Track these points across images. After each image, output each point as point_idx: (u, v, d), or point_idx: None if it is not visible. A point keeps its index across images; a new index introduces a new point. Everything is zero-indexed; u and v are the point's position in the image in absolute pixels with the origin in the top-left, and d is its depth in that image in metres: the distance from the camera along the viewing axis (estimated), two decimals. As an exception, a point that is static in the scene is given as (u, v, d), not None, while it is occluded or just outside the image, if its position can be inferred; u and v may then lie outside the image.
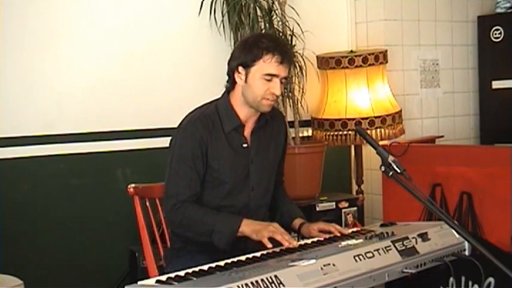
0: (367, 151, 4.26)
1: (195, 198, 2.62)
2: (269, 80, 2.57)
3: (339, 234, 2.57)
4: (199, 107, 2.71)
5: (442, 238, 2.47)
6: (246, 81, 2.60)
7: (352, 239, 2.43)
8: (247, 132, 2.70)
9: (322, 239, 2.54)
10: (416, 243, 2.38)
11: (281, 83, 2.60)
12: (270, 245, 2.38)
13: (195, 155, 2.59)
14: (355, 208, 3.94)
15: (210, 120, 2.63)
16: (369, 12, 4.50)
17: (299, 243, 2.46)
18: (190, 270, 2.09)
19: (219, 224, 2.54)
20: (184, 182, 2.60)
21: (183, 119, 2.68)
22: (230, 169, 2.64)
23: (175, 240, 2.74)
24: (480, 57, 4.92)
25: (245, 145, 2.68)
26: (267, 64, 2.56)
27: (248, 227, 2.51)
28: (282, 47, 2.63)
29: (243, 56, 2.59)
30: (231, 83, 2.67)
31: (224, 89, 2.71)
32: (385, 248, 2.27)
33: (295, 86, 3.97)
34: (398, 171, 2.29)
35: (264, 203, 2.77)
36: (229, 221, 2.55)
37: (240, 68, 2.60)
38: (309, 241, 2.49)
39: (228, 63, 2.67)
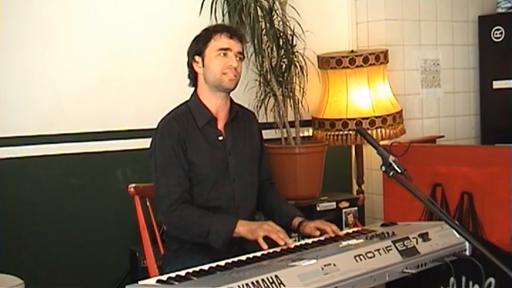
0: (368, 151, 4.26)
1: (188, 195, 2.66)
2: (224, 55, 2.69)
3: (333, 235, 2.57)
4: (171, 110, 2.79)
5: (442, 238, 2.47)
6: (203, 65, 2.72)
7: (353, 239, 2.42)
8: (220, 125, 2.77)
9: (322, 238, 2.54)
10: (417, 243, 2.38)
11: (239, 59, 2.72)
12: (265, 246, 2.40)
13: (177, 152, 2.65)
14: (356, 208, 3.93)
15: (184, 118, 2.72)
16: (370, 12, 4.50)
17: (300, 243, 2.46)
18: (190, 270, 2.09)
19: (215, 225, 2.56)
20: (173, 180, 2.64)
21: (158, 123, 2.76)
22: (210, 163, 2.69)
23: (171, 242, 2.76)
24: (481, 57, 4.92)
25: (220, 138, 2.75)
26: (218, 41, 2.71)
27: (243, 227, 2.53)
28: (229, 26, 2.86)
29: (195, 46, 2.76)
30: (193, 78, 2.79)
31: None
32: (386, 248, 2.27)
33: (295, 85, 3.97)
34: (399, 171, 2.29)
35: (250, 195, 2.81)
36: (224, 222, 2.58)
37: (196, 57, 2.74)
38: (309, 241, 2.49)
39: (187, 65, 2.80)
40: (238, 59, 2.72)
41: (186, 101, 2.81)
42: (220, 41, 2.70)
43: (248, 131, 2.86)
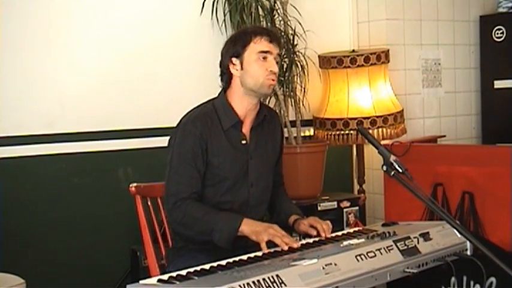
0: (369, 150, 4.26)
1: (196, 196, 2.63)
2: (264, 58, 2.62)
3: (322, 235, 2.54)
4: (196, 107, 2.73)
5: (443, 238, 2.47)
6: (242, 68, 2.64)
7: (354, 238, 2.42)
8: (245, 129, 2.71)
9: (323, 238, 2.53)
10: (418, 243, 2.38)
11: (277, 62, 2.65)
12: (267, 250, 2.38)
13: (196, 153, 2.60)
14: (357, 208, 3.94)
15: (209, 118, 2.65)
16: (371, 12, 4.50)
17: (301, 242, 2.45)
18: (192, 270, 2.09)
19: (220, 223, 2.54)
20: (185, 180, 2.60)
21: (182, 118, 2.69)
22: (230, 165, 2.65)
23: (177, 239, 2.74)
24: (482, 57, 4.92)
25: (244, 142, 2.69)
26: (258, 44, 2.62)
27: (248, 227, 2.50)
28: (267, 29, 2.75)
29: (233, 47, 2.66)
30: (227, 80, 2.70)
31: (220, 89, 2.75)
32: (387, 247, 2.26)
33: (297, 85, 3.97)
34: (400, 170, 2.29)
35: (264, 200, 2.78)
36: (229, 220, 2.55)
37: (234, 59, 2.65)
38: (310, 240, 2.49)
39: (220, 65, 2.72)
40: (276, 62, 2.66)
41: (213, 99, 2.74)
42: (261, 44, 2.61)
43: (271, 134, 2.81)
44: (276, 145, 2.83)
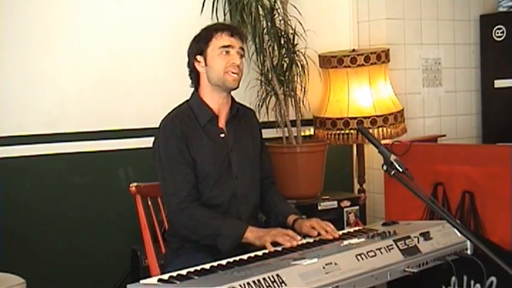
0: (369, 150, 4.26)
1: (195, 191, 2.66)
2: (227, 53, 2.70)
3: (330, 237, 2.53)
4: (172, 109, 2.80)
5: (444, 237, 2.47)
6: (206, 64, 2.72)
7: (354, 238, 2.42)
8: (221, 123, 2.78)
9: (323, 237, 2.53)
10: (419, 242, 2.38)
11: (240, 56, 2.73)
12: (272, 249, 2.39)
13: (181, 150, 2.65)
14: (357, 207, 3.93)
15: (186, 116, 2.73)
16: (371, 11, 4.50)
17: (301, 242, 2.45)
18: (192, 269, 2.09)
19: (224, 229, 2.57)
20: (179, 177, 2.64)
21: (161, 122, 2.76)
22: (212, 160, 2.70)
23: (173, 241, 2.76)
24: (482, 56, 4.92)
25: (222, 135, 2.75)
26: (219, 40, 2.72)
27: (252, 234, 2.54)
28: (229, 24, 2.89)
29: (195, 45, 2.76)
30: (196, 79, 2.78)
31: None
32: (387, 247, 2.27)
33: (297, 85, 3.97)
34: (400, 170, 2.29)
35: (252, 192, 2.80)
36: (234, 227, 2.59)
37: (198, 57, 2.74)
38: (311, 240, 2.49)
39: (188, 65, 2.80)
40: (239, 56, 2.72)
41: (187, 100, 2.82)
42: (222, 39, 2.70)
43: (249, 128, 2.87)
44: (256, 141, 2.89)
